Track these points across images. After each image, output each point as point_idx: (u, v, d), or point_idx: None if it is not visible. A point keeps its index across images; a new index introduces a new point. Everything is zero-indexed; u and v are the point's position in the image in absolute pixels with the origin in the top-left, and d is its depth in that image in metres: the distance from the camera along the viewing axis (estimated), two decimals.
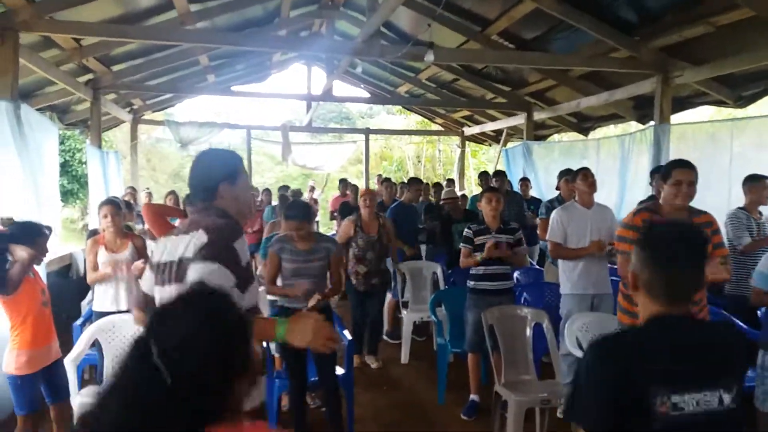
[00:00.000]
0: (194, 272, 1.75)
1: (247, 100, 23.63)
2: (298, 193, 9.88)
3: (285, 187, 8.69)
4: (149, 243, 4.12)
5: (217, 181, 1.95)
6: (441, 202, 6.93)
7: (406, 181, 8.30)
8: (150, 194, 9.51)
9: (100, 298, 4.02)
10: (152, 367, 0.96)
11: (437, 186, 8.37)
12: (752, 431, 3.06)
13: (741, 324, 3.81)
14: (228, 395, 1.02)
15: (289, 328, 1.76)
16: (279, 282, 3.71)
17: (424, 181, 9.16)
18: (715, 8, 4.68)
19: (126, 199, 6.69)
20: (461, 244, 4.25)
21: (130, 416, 0.94)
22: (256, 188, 9.43)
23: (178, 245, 1.86)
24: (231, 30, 7.70)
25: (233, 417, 1.03)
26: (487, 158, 17.81)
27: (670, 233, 1.51)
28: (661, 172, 3.06)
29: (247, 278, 1.87)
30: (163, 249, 1.95)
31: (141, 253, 4.07)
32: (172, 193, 8.04)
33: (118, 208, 4.05)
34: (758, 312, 3.86)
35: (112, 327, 3.61)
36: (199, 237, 1.82)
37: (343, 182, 10.28)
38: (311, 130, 13.52)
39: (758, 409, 3.13)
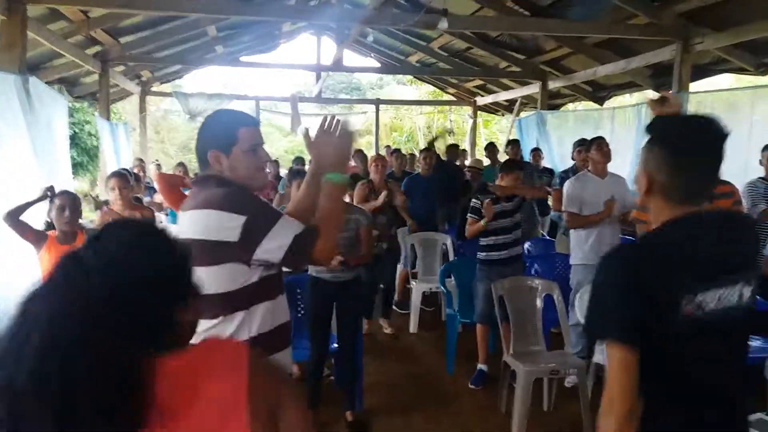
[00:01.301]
0: (280, 244, 1.59)
1: (256, 71, 23.51)
2: (300, 160, 9.71)
3: (299, 159, 8.58)
4: (158, 215, 4.12)
5: (207, 148, 1.72)
6: (466, 170, 6.81)
7: (418, 152, 8.13)
8: (159, 166, 9.49)
9: None
10: (84, 278, 0.88)
11: (453, 147, 8.07)
12: (762, 403, 3.02)
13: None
14: (169, 324, 0.96)
15: (333, 170, 1.72)
16: None
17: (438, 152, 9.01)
18: None
19: (135, 171, 6.68)
20: (468, 214, 4.21)
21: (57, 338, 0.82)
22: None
23: (184, 222, 1.71)
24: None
25: (181, 345, 0.97)
26: (498, 128, 17.61)
27: (690, 128, 1.39)
28: None
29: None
30: (179, 226, 1.80)
31: None
32: (181, 164, 8.02)
33: (127, 181, 4.02)
34: None
35: None
36: (227, 218, 1.58)
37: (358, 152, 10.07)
38: (321, 101, 13.40)
39: None
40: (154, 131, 20.53)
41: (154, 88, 11.86)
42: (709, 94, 6.18)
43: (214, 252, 1.60)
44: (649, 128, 1.43)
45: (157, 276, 0.95)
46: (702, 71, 6.36)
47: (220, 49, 10.05)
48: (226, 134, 1.72)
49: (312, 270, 3.66)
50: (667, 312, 1.29)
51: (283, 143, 24.02)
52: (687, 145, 1.35)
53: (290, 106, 11.57)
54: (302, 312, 3.97)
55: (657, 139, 1.40)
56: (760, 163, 4.33)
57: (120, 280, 0.90)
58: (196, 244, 1.55)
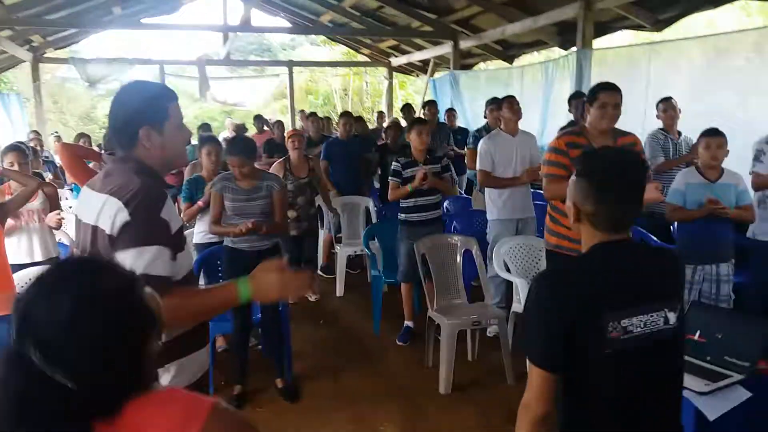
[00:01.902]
0: (131, 264, 1.43)
1: (159, 33, 22.14)
2: (242, 127, 9.33)
3: (206, 126, 8.25)
4: (61, 192, 3.86)
5: (138, 125, 1.58)
6: (383, 131, 6.78)
7: (336, 115, 8.04)
8: (59, 137, 8.89)
9: (14, 250, 3.76)
10: (32, 370, 0.81)
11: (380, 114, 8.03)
12: None
13: (656, 240, 4.04)
14: (136, 368, 0.89)
15: (253, 286, 1.56)
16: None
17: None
18: None
19: (32, 144, 6.20)
20: (390, 177, 4.22)
21: None
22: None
23: (94, 204, 1.57)
24: None
25: (146, 387, 0.91)
26: (414, 89, 17.68)
27: (613, 165, 1.47)
28: (586, 95, 3.11)
29: (179, 244, 1.62)
30: (81, 204, 1.69)
31: (53, 202, 3.81)
32: (84, 135, 7.49)
33: (25, 155, 3.73)
34: (671, 228, 4.10)
35: (30, 280, 3.41)
36: (118, 210, 1.50)
37: (259, 118, 9.79)
38: (230, 63, 12.92)
39: None
40: (51, 101, 19.05)
41: (47, 55, 10.96)
42: (610, 51, 6.49)
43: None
44: (577, 161, 1.53)
45: (116, 329, 0.87)
46: (604, 28, 6.64)
47: (118, 10, 9.42)
48: (158, 110, 1.61)
49: (227, 241, 3.59)
50: (593, 336, 1.36)
51: (191, 110, 22.95)
52: (609, 179, 1.44)
53: (197, 69, 11.07)
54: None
55: (582, 173, 1.49)
56: (657, 117, 4.60)
57: (80, 358, 0.83)
58: (106, 236, 1.51)
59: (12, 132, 7.72)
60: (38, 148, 6.82)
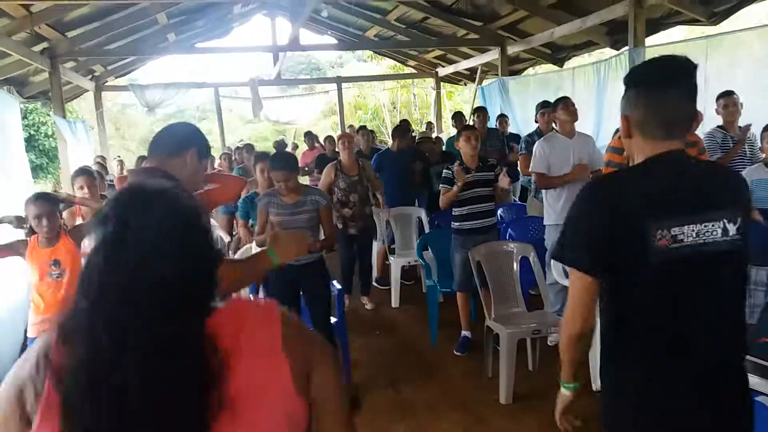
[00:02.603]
0: None
1: (214, 57, 22.92)
2: (282, 144, 9.63)
3: (250, 146, 8.45)
4: None
5: (191, 144, 1.89)
6: (417, 142, 6.85)
7: (384, 129, 8.12)
8: (122, 162, 9.30)
9: None
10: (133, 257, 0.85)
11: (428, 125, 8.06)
12: None
13: None
14: (210, 286, 0.95)
15: (278, 251, 1.81)
16: None
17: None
18: None
19: (96, 168, 6.51)
20: (441, 185, 4.19)
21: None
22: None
23: None
24: None
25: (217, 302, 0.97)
26: (462, 99, 17.61)
27: (656, 67, 1.45)
28: None
29: None
30: None
31: None
32: (143, 158, 7.84)
33: (94, 178, 3.93)
34: None
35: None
36: None
37: (309, 135, 10.04)
38: (280, 83, 13.22)
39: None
40: (113, 128, 20.02)
41: (108, 83, 11.53)
42: (663, 48, 6.27)
43: None
44: (626, 77, 1.48)
45: (196, 241, 0.94)
46: (656, 25, 6.44)
47: (173, 36, 9.81)
48: (205, 148, 1.98)
49: None
50: (638, 243, 1.31)
51: (244, 131, 23.58)
52: (653, 82, 1.40)
53: (250, 90, 11.38)
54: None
55: (629, 83, 1.46)
56: (717, 112, 4.41)
57: (169, 258, 0.88)
58: None
59: (81, 157, 8.12)
60: (103, 172, 7.15)
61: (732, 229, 1.34)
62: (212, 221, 5.28)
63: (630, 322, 1.37)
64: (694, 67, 1.39)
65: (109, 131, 14.03)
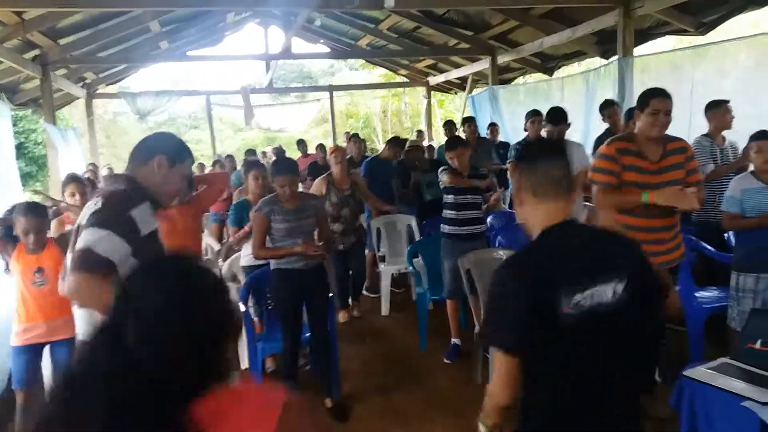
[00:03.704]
0: (82, 239, 1.74)
1: (205, 65, 22.90)
2: (281, 150, 9.70)
3: (251, 151, 8.49)
4: None
5: (158, 151, 1.94)
6: (406, 151, 6.91)
7: (376, 137, 8.20)
8: (111, 170, 9.27)
9: None
10: (127, 355, 0.88)
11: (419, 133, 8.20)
12: (724, 349, 3.17)
13: (711, 249, 3.90)
14: (216, 361, 0.97)
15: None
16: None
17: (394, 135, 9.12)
18: None
19: (87, 176, 6.49)
20: (441, 172, 4.16)
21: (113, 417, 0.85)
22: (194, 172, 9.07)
23: (85, 213, 1.87)
24: None
25: (222, 381, 0.98)
26: (453, 107, 17.70)
27: (545, 144, 1.83)
28: (637, 102, 3.05)
29: (148, 249, 1.82)
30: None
31: None
32: None
33: (84, 185, 3.92)
34: (725, 236, 3.95)
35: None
36: (95, 203, 1.82)
37: (301, 143, 10.14)
38: (272, 91, 13.25)
39: (732, 328, 3.24)
40: (104, 135, 19.94)
41: (100, 90, 11.50)
42: (652, 57, 6.35)
43: None
44: (518, 154, 1.88)
45: (205, 319, 0.96)
46: (644, 35, 6.52)
47: (165, 44, 9.81)
48: (179, 152, 2.00)
49: (274, 263, 3.63)
50: (551, 314, 1.42)
51: (234, 141, 23.45)
52: (534, 153, 1.70)
53: (242, 98, 11.40)
54: (270, 305, 3.96)
55: (522, 159, 1.84)
56: (709, 119, 4.43)
57: (168, 346, 0.91)
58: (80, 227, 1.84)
59: (71, 165, 8.10)
60: (94, 179, 7.12)
61: (620, 289, 1.48)
62: (205, 232, 5.26)
63: (539, 381, 1.50)
64: (564, 144, 1.68)
65: (100, 139, 14.00)
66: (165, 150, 1.95)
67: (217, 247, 5.56)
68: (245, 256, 4.22)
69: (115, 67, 10.59)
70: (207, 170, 8.50)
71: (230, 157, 9.44)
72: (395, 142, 6.53)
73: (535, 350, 1.45)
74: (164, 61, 11.40)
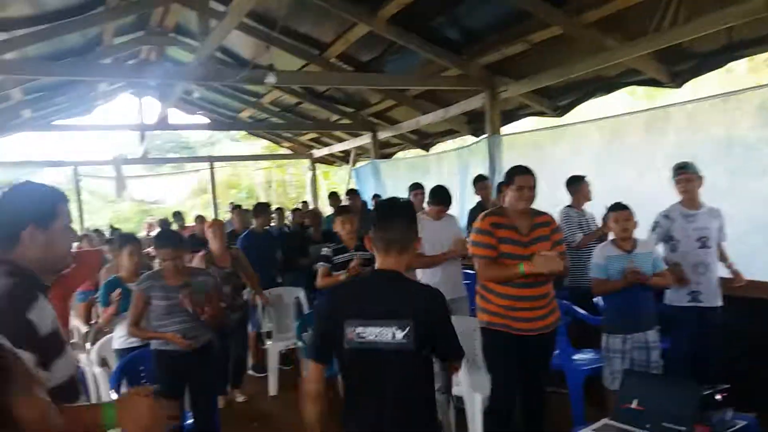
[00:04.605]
0: None
1: (73, 134, 21.63)
2: (165, 222, 9.30)
3: (114, 229, 8.05)
4: None
5: (23, 225, 1.55)
6: (304, 222, 6.88)
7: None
8: None
9: None
10: None
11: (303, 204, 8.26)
12: (601, 408, 3.35)
13: (582, 312, 4.18)
14: None
15: (120, 413, 1.44)
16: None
17: (277, 205, 9.06)
18: (530, 27, 5.17)
19: None
20: (319, 264, 4.19)
21: None
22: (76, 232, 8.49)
23: None
24: (47, 60, 6.97)
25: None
26: (339, 178, 18.01)
27: (391, 204, 2.16)
28: (503, 178, 3.27)
29: (52, 350, 1.54)
30: None
31: None
32: None
33: None
34: (593, 300, 4.26)
35: None
36: None
37: (178, 215, 9.87)
38: (147, 162, 12.76)
39: (607, 387, 3.44)
40: None
41: None
42: (518, 136, 6.95)
43: None
44: (372, 213, 2.32)
45: None
46: (510, 116, 7.13)
47: (28, 113, 9.16)
48: (46, 209, 1.61)
49: (155, 344, 3.39)
50: (340, 337, 1.92)
51: (106, 213, 22.02)
52: (382, 214, 2.08)
53: (114, 169, 10.83)
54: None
55: (374, 213, 2.23)
56: (574, 192, 4.85)
57: None
58: None
59: None
60: None
61: (399, 335, 1.87)
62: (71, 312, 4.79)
63: (347, 390, 2.05)
64: (411, 208, 2.13)
65: None
66: (31, 216, 1.57)
67: (84, 329, 5.05)
68: (118, 338, 3.88)
69: None
70: (74, 246, 7.83)
71: (98, 231, 8.85)
72: (261, 209, 6.37)
73: (339, 363, 1.99)
74: (26, 131, 10.60)
